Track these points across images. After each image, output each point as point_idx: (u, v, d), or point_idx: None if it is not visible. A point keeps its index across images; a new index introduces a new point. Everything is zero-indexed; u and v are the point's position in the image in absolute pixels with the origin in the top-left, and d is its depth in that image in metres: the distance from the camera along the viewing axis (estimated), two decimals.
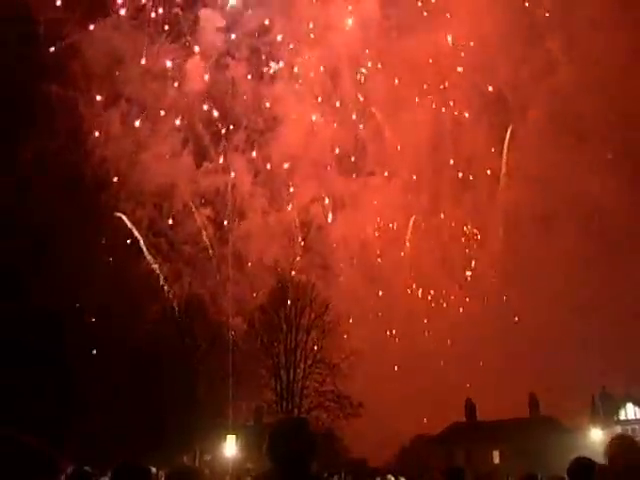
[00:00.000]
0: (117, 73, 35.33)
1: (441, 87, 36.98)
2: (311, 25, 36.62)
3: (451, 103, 38.09)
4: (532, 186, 37.99)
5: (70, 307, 35.02)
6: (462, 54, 36.47)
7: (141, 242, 36.33)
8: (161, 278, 37.06)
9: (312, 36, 36.84)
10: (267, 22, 37.08)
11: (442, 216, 38.21)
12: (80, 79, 35.36)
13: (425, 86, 36.31)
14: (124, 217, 35.55)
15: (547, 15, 35.76)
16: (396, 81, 35.84)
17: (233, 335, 38.25)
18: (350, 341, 42.63)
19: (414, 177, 38.28)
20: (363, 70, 37.30)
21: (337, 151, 38.26)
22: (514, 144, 37.91)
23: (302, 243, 38.10)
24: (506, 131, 37.92)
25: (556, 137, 37.05)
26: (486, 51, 36.44)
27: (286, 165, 37.13)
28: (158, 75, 36.17)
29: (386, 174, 38.48)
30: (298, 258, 38.11)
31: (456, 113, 37.61)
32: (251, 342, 43.58)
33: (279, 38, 37.32)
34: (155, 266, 36.78)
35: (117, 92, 35.75)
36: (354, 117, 38.16)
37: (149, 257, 36.51)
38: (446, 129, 37.79)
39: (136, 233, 36.04)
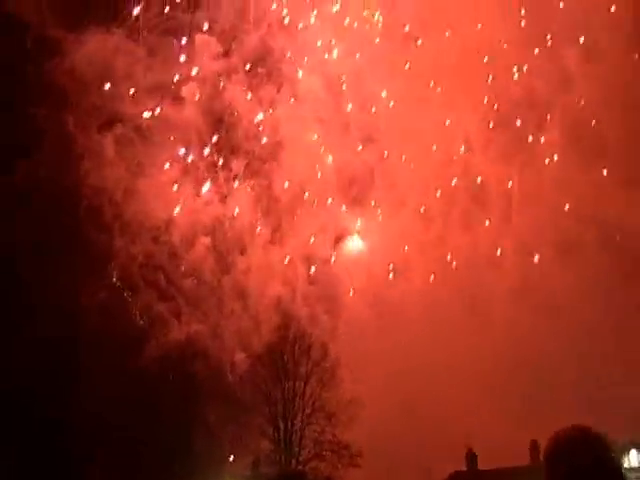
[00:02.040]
0: (111, 94, 33.23)
1: (450, 105, 35.40)
2: (318, 44, 35.05)
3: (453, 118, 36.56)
4: (548, 208, 36.39)
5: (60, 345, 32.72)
6: (486, 58, 34.99)
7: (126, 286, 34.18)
8: (145, 320, 34.77)
9: (315, 57, 35.25)
10: (267, 44, 35.41)
11: (452, 244, 36.42)
12: (71, 99, 33.19)
13: (433, 103, 34.79)
14: (117, 282, 33.66)
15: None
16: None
17: (232, 379, 36.10)
18: (350, 386, 40.52)
19: (423, 205, 36.49)
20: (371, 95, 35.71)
21: (344, 181, 36.29)
22: (528, 164, 36.49)
23: (305, 277, 35.96)
24: (520, 149, 36.50)
25: (574, 156, 35.72)
26: (498, 63, 35.18)
27: (289, 194, 35.12)
28: (155, 99, 34.14)
29: (394, 202, 36.63)
30: (299, 294, 35.92)
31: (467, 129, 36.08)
32: (249, 390, 41.30)
33: (280, 60, 35.68)
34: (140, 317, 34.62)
35: (112, 114, 33.51)
36: (360, 144, 36.35)
37: (135, 312, 34.36)
38: (456, 149, 36.19)
39: (126, 295, 33.97)
